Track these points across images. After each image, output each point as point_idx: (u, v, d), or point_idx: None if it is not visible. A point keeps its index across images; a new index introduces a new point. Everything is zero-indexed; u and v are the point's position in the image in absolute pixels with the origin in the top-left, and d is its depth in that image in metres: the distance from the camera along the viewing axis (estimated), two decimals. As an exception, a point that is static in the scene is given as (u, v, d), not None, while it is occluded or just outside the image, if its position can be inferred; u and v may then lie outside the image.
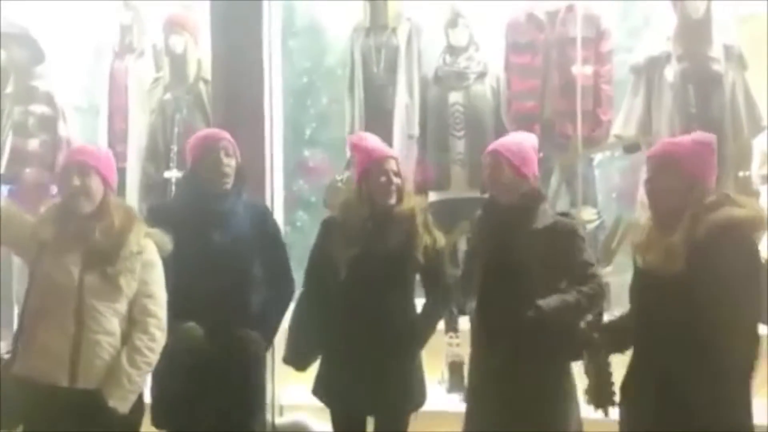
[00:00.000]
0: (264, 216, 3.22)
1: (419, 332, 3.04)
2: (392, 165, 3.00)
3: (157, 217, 3.10)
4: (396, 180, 2.99)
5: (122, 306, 2.70)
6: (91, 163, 2.76)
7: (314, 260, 3.10)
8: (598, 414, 2.71)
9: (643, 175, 4.00)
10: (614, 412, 2.67)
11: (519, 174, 2.83)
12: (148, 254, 2.75)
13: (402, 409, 3.03)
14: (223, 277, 2.94)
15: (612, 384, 2.64)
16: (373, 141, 3.12)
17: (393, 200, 2.98)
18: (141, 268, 2.72)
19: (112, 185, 2.81)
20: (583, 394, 2.74)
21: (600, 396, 2.65)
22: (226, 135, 3.08)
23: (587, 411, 2.78)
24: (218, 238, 2.96)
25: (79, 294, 2.64)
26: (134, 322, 2.71)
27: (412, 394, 3.03)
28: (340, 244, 2.98)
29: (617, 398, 2.61)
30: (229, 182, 3.02)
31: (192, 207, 3.00)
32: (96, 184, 2.74)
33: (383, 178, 2.98)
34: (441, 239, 3.06)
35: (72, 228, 2.71)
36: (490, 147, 2.93)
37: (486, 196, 3.02)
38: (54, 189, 3.13)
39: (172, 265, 2.82)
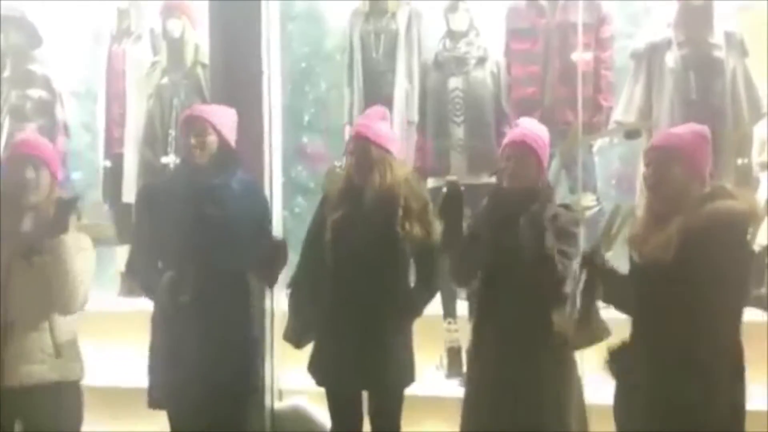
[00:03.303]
0: (255, 193, 3.27)
1: (406, 310, 3.04)
2: (369, 148, 2.97)
3: (148, 194, 3.15)
4: (367, 162, 2.97)
5: (48, 295, 2.71)
6: (43, 157, 2.78)
7: (309, 233, 3.13)
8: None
9: (642, 166, 4.08)
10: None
11: (542, 168, 2.85)
12: (81, 243, 2.77)
13: (389, 383, 3.02)
14: (216, 250, 2.96)
15: (599, 321, 2.65)
16: (366, 117, 3.14)
17: (367, 180, 2.98)
18: (74, 255, 2.71)
19: (58, 179, 2.84)
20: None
21: (585, 334, 2.65)
22: (203, 114, 3.12)
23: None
24: (211, 212, 2.98)
25: (5, 286, 2.65)
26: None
27: (400, 370, 3.02)
28: (329, 211, 3.02)
29: (606, 334, 2.62)
30: (201, 157, 3.05)
31: (183, 182, 3.05)
32: (45, 179, 2.76)
33: (352, 158, 3.02)
34: (429, 204, 3.04)
35: (7, 221, 2.70)
36: (518, 137, 2.85)
37: (493, 179, 2.98)
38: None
39: (166, 238, 2.85)
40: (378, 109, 3.25)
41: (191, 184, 3.03)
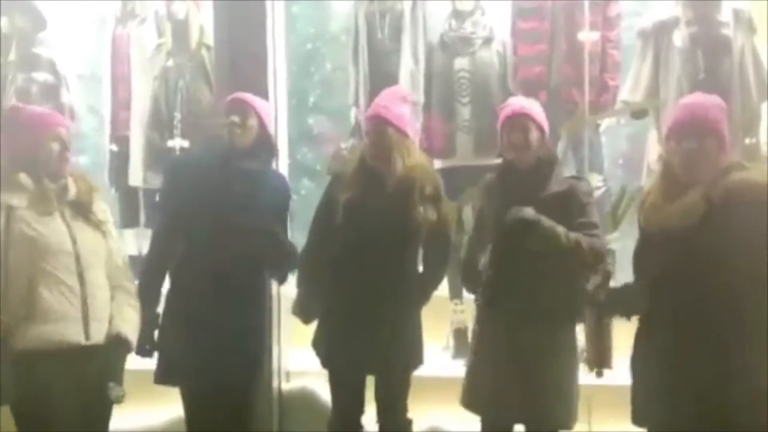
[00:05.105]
0: (283, 187, 3.25)
1: (415, 295, 3.03)
2: (386, 131, 2.92)
3: (179, 165, 3.25)
4: (384, 145, 2.92)
5: (105, 258, 2.77)
6: (65, 124, 2.81)
7: (318, 212, 3.10)
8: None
9: (653, 139, 4.06)
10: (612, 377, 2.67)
11: (544, 135, 2.83)
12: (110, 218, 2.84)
13: (397, 368, 3.01)
14: (238, 230, 2.95)
15: (611, 347, 2.63)
16: (385, 98, 3.04)
17: (384, 163, 2.93)
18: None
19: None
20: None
21: (599, 358, 2.64)
22: (246, 98, 3.08)
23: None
24: (242, 191, 2.97)
25: (75, 252, 2.68)
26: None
27: (407, 354, 3.01)
28: (341, 190, 2.98)
29: (613, 362, 2.60)
30: (241, 137, 3.02)
31: (219, 158, 3.02)
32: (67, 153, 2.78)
33: (367, 140, 2.99)
34: (441, 187, 3.03)
35: (47, 191, 2.69)
36: (517, 110, 2.82)
37: (499, 161, 2.96)
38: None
39: (192, 211, 2.92)
40: (397, 90, 3.18)
41: (227, 162, 3.00)
